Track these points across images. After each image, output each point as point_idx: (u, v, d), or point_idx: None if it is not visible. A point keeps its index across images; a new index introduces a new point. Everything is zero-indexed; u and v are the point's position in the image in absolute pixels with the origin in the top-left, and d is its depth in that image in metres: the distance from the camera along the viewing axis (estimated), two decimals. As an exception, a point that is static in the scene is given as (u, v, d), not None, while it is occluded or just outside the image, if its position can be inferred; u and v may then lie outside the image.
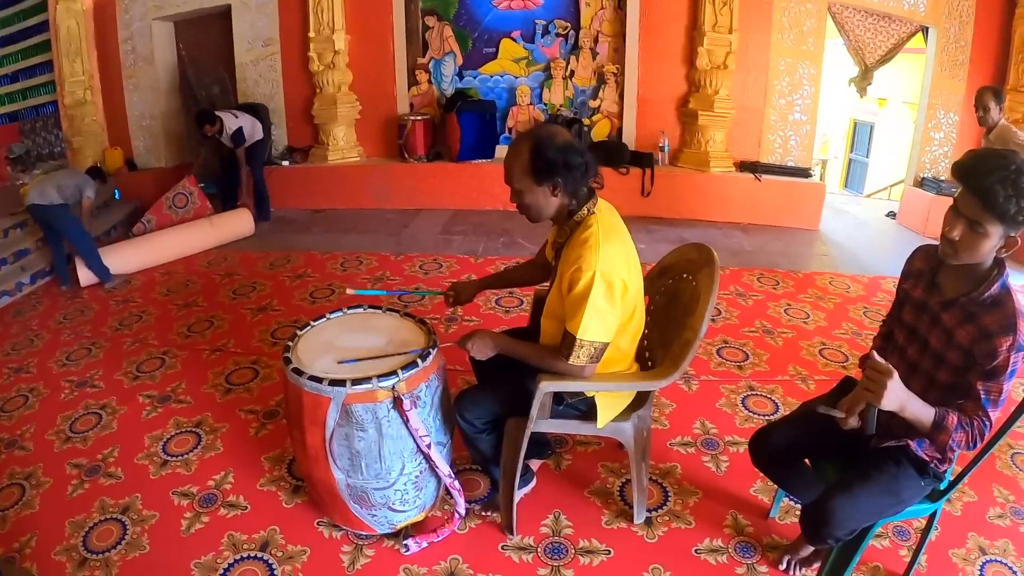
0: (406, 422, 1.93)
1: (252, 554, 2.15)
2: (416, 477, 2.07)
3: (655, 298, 2.33)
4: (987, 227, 1.42)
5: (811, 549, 2.05)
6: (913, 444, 1.69)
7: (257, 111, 6.03)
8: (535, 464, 2.47)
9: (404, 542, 2.12)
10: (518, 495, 2.20)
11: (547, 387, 1.91)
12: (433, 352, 2.04)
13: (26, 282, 4.58)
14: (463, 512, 2.19)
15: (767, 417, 2.90)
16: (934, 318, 1.64)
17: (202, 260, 5.02)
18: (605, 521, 2.29)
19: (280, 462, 2.61)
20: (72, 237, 4.42)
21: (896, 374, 1.40)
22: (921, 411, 1.46)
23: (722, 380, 3.20)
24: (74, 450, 2.73)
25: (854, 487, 1.68)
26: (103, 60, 6.57)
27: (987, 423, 1.50)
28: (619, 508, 2.35)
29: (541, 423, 2.02)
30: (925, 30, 5.73)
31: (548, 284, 2.04)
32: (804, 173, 5.80)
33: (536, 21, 6.14)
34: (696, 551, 2.16)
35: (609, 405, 2.02)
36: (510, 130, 6.42)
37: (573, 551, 2.16)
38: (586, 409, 2.03)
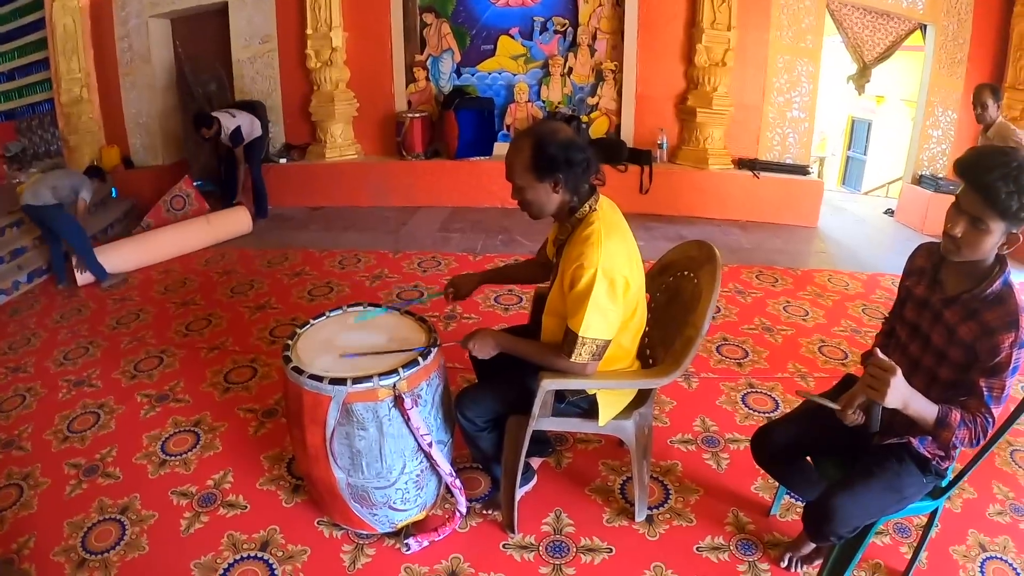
0: (407, 421, 1.92)
1: (252, 554, 2.14)
2: (417, 476, 2.06)
3: (656, 296, 2.32)
4: (989, 223, 1.43)
5: (812, 546, 2.05)
6: (915, 441, 1.70)
7: (255, 108, 6.01)
8: (536, 462, 2.47)
9: (405, 541, 2.12)
10: (519, 493, 2.19)
11: (549, 385, 1.90)
12: (434, 350, 2.03)
13: (23, 281, 4.56)
14: (464, 511, 2.19)
15: (767, 414, 2.90)
16: (936, 315, 1.64)
17: (200, 258, 5.00)
18: (606, 519, 2.28)
19: (279, 461, 2.60)
20: (68, 237, 4.40)
21: (899, 371, 1.40)
22: (924, 408, 1.46)
23: (722, 377, 3.20)
24: (72, 450, 2.71)
25: (856, 484, 1.67)
26: (99, 58, 6.54)
27: (990, 420, 1.50)
28: (620, 506, 2.35)
29: (543, 421, 2.02)
30: (923, 27, 5.73)
31: (549, 282, 2.03)
32: (802, 170, 5.80)
33: (534, 18, 6.13)
34: (698, 549, 2.16)
35: (611, 403, 2.02)
36: (508, 127, 6.41)
37: (574, 549, 2.15)
38: (588, 407, 2.03)
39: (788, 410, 2.83)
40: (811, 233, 5.57)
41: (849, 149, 13.06)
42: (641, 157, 5.78)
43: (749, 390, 3.09)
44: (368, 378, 1.86)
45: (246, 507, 2.35)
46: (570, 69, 6.22)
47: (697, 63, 5.66)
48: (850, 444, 1.80)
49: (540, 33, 6.16)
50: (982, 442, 1.52)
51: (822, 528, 1.70)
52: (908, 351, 1.73)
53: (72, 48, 6.32)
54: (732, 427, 2.81)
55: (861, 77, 6.12)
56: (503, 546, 2.16)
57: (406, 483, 2.05)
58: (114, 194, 6.12)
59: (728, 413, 2.91)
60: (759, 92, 5.81)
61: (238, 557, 2.13)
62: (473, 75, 6.36)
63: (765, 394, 3.06)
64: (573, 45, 6.16)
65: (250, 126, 5.61)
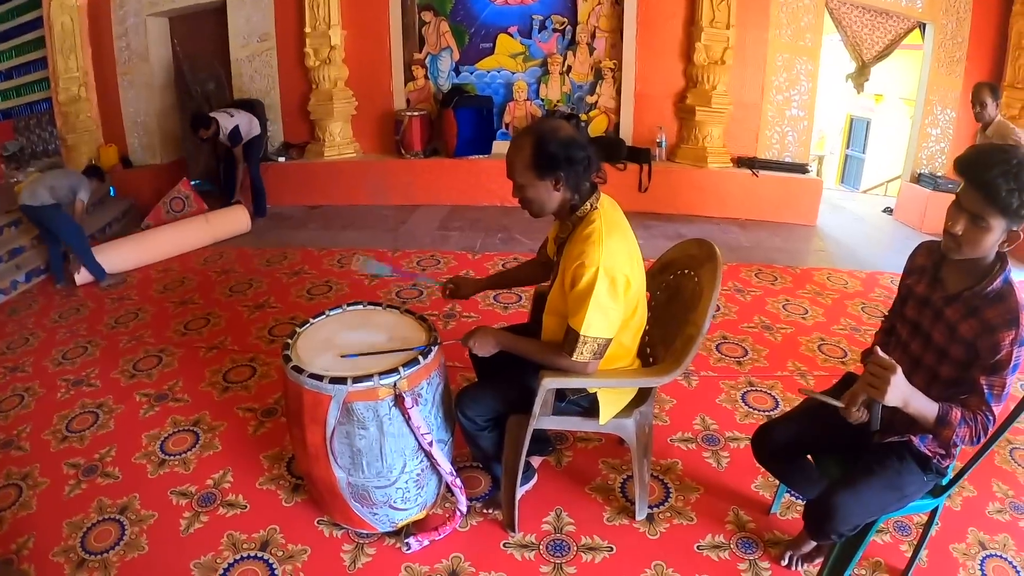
0: (408, 420, 1.92)
1: (252, 554, 2.13)
2: (417, 475, 2.06)
3: (656, 294, 2.32)
4: (989, 221, 1.43)
5: (813, 545, 2.06)
6: (916, 439, 1.70)
7: (253, 107, 5.99)
8: (536, 461, 2.46)
9: (405, 540, 2.11)
10: (519, 492, 2.19)
11: (550, 384, 1.90)
12: (434, 349, 2.02)
13: (21, 280, 4.55)
14: (465, 510, 2.18)
15: (767, 413, 2.90)
16: (937, 313, 1.64)
17: (198, 257, 4.99)
18: (607, 518, 2.28)
19: (279, 460, 2.59)
20: (66, 237, 4.38)
21: (900, 370, 1.41)
22: (924, 406, 1.47)
23: (722, 376, 3.20)
24: (71, 450, 2.71)
25: (858, 482, 1.68)
26: (97, 57, 6.52)
27: (990, 418, 1.50)
28: (620, 504, 2.35)
29: (543, 420, 2.02)
30: (922, 26, 5.73)
31: (549, 280, 2.03)
32: (801, 169, 5.80)
33: (533, 16, 6.11)
34: (698, 547, 2.16)
35: (611, 401, 2.01)
36: (507, 126, 6.40)
37: (575, 548, 2.15)
38: (588, 406, 2.02)
39: (788, 408, 2.84)
40: (810, 231, 5.57)
41: (847, 147, 13.07)
42: (640, 155, 5.78)
43: (749, 388, 3.09)
44: (368, 377, 1.86)
45: (246, 507, 2.35)
46: (569, 67, 6.21)
47: (696, 61, 5.65)
48: (851, 442, 1.80)
49: (539, 31, 6.15)
50: (983, 440, 1.53)
51: (823, 526, 1.70)
52: (909, 349, 1.73)
53: (70, 47, 6.30)
54: (732, 425, 2.81)
55: (860, 76, 6.12)
56: (504, 545, 2.16)
57: (406, 482, 2.04)
58: (112, 193, 6.11)
59: (728, 411, 2.91)
60: (758, 90, 5.80)
61: (238, 557, 2.12)
62: (472, 73, 6.35)
63: (765, 392, 3.06)
64: (572, 43, 6.15)
65: (248, 125, 5.60)
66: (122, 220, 5.89)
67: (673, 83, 5.93)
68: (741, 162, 5.84)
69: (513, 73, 6.30)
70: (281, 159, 6.29)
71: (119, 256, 4.69)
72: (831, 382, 2.03)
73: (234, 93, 6.42)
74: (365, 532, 2.17)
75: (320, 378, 1.86)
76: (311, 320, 2.23)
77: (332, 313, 2.28)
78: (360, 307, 2.33)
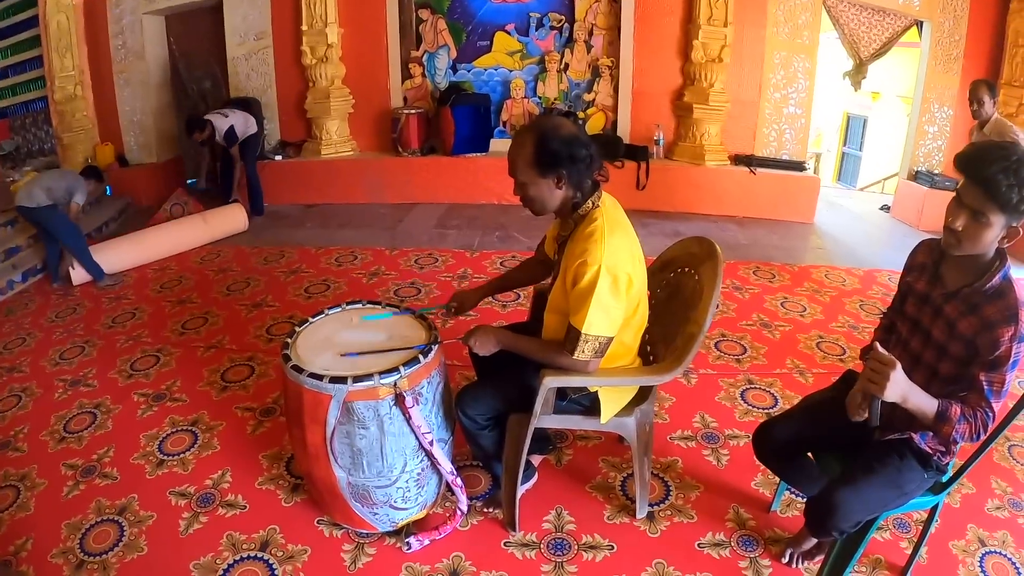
0: (408, 419, 1.91)
1: (252, 554, 2.13)
2: (418, 474, 2.06)
3: (656, 292, 2.31)
4: (990, 216, 1.44)
5: (813, 542, 2.06)
6: (916, 437, 1.70)
7: (249, 106, 5.98)
8: (536, 460, 2.46)
9: (406, 540, 2.11)
10: (520, 491, 2.18)
11: (551, 383, 1.90)
12: (435, 348, 2.02)
13: (17, 280, 4.53)
14: (465, 509, 2.18)
15: (766, 410, 2.91)
16: (937, 310, 1.65)
17: (195, 256, 4.97)
18: (607, 516, 2.28)
19: (278, 460, 2.59)
20: (64, 237, 4.36)
21: (899, 365, 1.42)
22: (924, 402, 1.48)
23: (721, 374, 3.20)
24: (69, 450, 2.69)
25: (859, 480, 1.68)
26: (93, 55, 6.49)
27: (990, 414, 1.51)
28: (621, 503, 2.34)
29: (544, 419, 2.01)
30: (919, 24, 5.73)
31: (550, 279, 2.02)
32: (799, 166, 5.81)
33: (530, 14, 6.10)
34: (699, 545, 2.16)
35: (612, 400, 2.01)
36: (504, 124, 6.39)
37: (576, 547, 2.15)
38: (589, 404, 2.02)
39: (787, 406, 2.85)
40: (807, 229, 5.58)
41: (844, 145, 13.09)
42: (638, 153, 5.78)
43: (748, 386, 3.09)
44: (369, 376, 1.85)
45: (245, 507, 2.34)
46: (566, 65, 6.20)
47: (694, 59, 5.65)
48: (851, 440, 1.80)
49: (536, 29, 6.14)
50: (982, 437, 1.53)
51: (825, 522, 1.70)
52: (909, 346, 1.73)
53: (66, 45, 6.27)
54: (731, 423, 2.81)
55: (857, 73, 6.12)
56: (504, 544, 2.16)
57: (407, 482, 2.04)
58: (108, 192, 6.08)
59: (727, 409, 2.91)
60: (756, 88, 5.81)
61: (238, 557, 2.11)
62: (469, 71, 6.34)
63: (764, 390, 3.07)
64: (569, 41, 6.14)
65: (244, 124, 5.58)
66: (119, 219, 5.87)
67: (671, 81, 5.93)
68: (739, 160, 5.84)
69: (510, 71, 6.29)
70: (278, 157, 6.27)
71: (116, 255, 4.67)
72: (830, 380, 2.03)
73: (231, 91, 6.40)
74: (365, 532, 2.17)
75: (320, 377, 1.85)
76: (310, 319, 2.22)
77: (331, 312, 2.27)
78: (359, 306, 2.32)
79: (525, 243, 5.01)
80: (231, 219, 5.40)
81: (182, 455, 2.64)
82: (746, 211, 5.76)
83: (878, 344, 1.52)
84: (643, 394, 2.12)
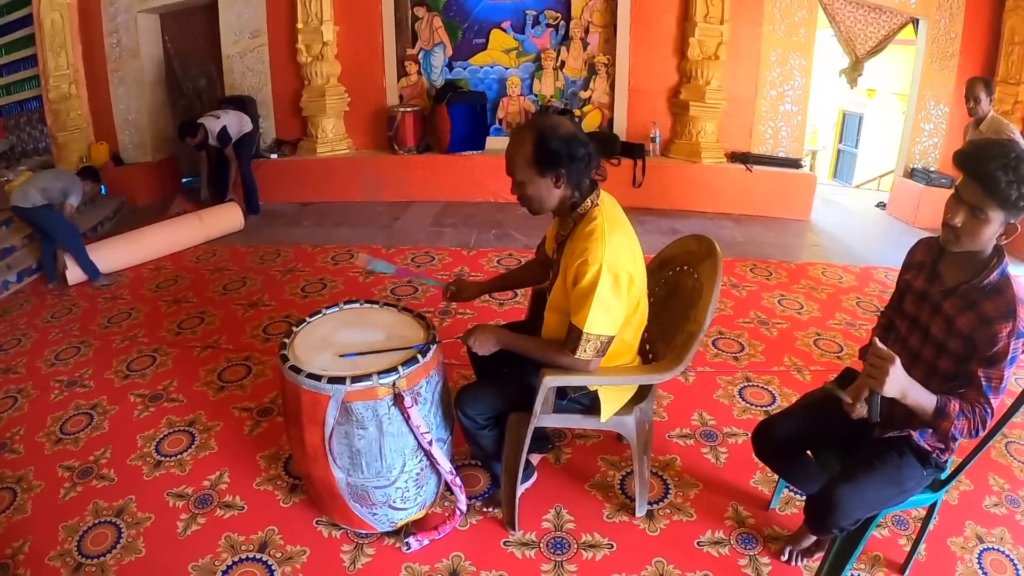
0: (407, 419, 1.90)
1: (251, 555, 2.12)
2: (417, 474, 2.05)
3: (655, 290, 2.31)
4: (989, 213, 1.45)
5: (813, 539, 2.06)
6: (915, 434, 1.71)
7: (244, 104, 5.96)
8: (535, 459, 2.46)
9: (405, 540, 2.10)
10: (519, 490, 2.18)
11: (551, 382, 1.89)
12: (433, 347, 2.01)
13: (12, 280, 4.50)
14: (464, 508, 2.18)
15: (765, 408, 2.91)
16: (935, 307, 1.65)
17: (191, 255, 4.95)
18: (606, 515, 2.28)
19: (276, 460, 2.58)
20: (60, 236, 4.34)
21: (898, 360, 1.42)
22: (923, 398, 1.48)
23: (719, 371, 3.20)
24: (65, 452, 2.68)
25: (859, 477, 1.68)
26: (88, 54, 6.44)
27: (989, 410, 1.52)
28: (620, 501, 2.34)
29: (544, 418, 2.01)
30: (915, 22, 5.74)
31: (550, 279, 2.02)
32: (795, 164, 5.82)
33: (526, 11, 6.09)
34: (698, 543, 2.16)
35: (612, 399, 2.01)
36: (500, 121, 6.39)
37: (575, 546, 2.15)
38: (589, 403, 2.02)
39: (785, 404, 2.86)
40: (804, 226, 5.59)
41: (840, 142, 13.11)
42: (634, 151, 5.76)
43: (746, 384, 3.10)
44: (367, 376, 1.84)
45: (243, 508, 2.33)
46: (562, 63, 6.20)
47: (690, 57, 5.65)
48: (850, 437, 1.81)
49: (532, 27, 6.13)
50: (981, 433, 1.54)
51: (825, 520, 1.70)
52: (908, 344, 1.74)
53: (60, 44, 6.22)
54: (730, 421, 2.81)
55: (853, 71, 6.13)
56: (504, 543, 2.16)
57: (406, 482, 2.03)
58: (103, 191, 6.04)
59: (726, 407, 2.92)
60: (752, 86, 5.81)
61: (237, 559, 2.11)
62: (465, 69, 6.33)
63: (762, 388, 3.07)
64: (565, 39, 6.14)
65: (238, 124, 5.56)
66: (113, 218, 5.84)
67: (667, 78, 5.93)
68: (735, 157, 5.84)
69: (506, 69, 6.28)
70: (273, 156, 6.25)
71: (111, 254, 4.64)
72: (828, 377, 2.04)
73: (226, 90, 6.38)
74: (364, 532, 2.16)
75: (318, 378, 1.84)
76: (308, 319, 2.21)
77: (329, 311, 2.26)
78: (357, 305, 2.31)
79: (522, 241, 5.00)
80: (227, 218, 5.38)
81: (179, 456, 2.63)
82: (742, 208, 5.76)
83: (877, 339, 1.52)
84: (643, 393, 2.12)
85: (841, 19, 5.84)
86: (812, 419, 1.91)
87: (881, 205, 6.34)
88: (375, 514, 2.07)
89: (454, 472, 2.11)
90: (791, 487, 2.31)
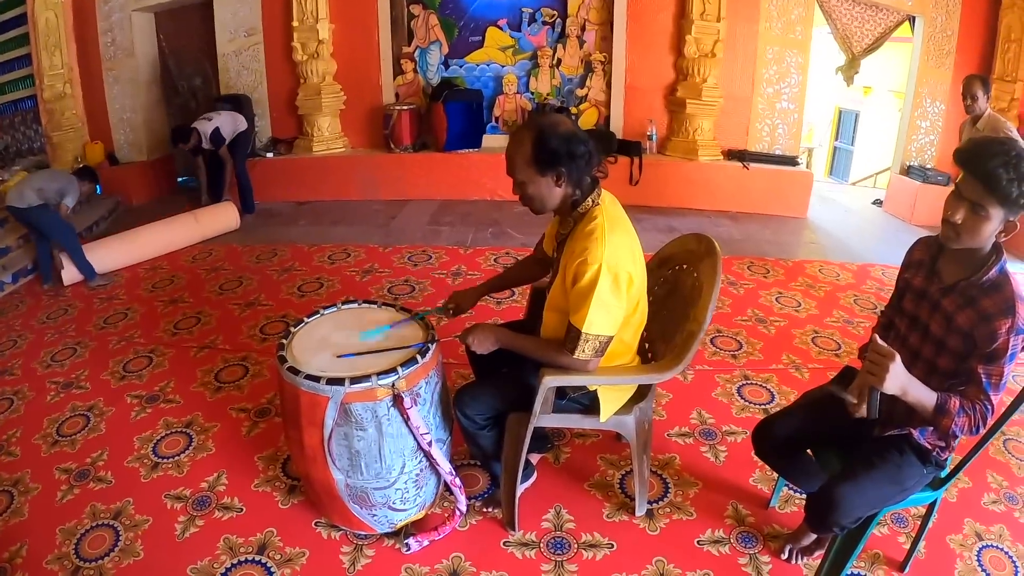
0: (406, 420, 1.89)
1: (250, 557, 2.11)
2: (417, 475, 2.04)
3: (654, 289, 2.30)
4: (989, 210, 1.46)
5: (813, 538, 2.06)
6: (915, 433, 1.71)
7: (240, 103, 5.93)
8: (535, 458, 2.45)
9: (405, 541, 2.10)
10: (519, 490, 2.17)
11: (551, 382, 1.89)
12: (432, 347, 2.00)
13: (8, 281, 4.47)
14: (464, 509, 2.17)
15: (763, 406, 2.91)
16: (934, 305, 1.65)
17: (187, 255, 4.93)
18: (606, 514, 2.28)
19: (274, 461, 2.57)
20: (57, 236, 4.31)
21: (898, 357, 1.43)
22: (923, 395, 1.48)
23: (717, 370, 3.20)
24: (62, 454, 2.66)
25: (859, 475, 1.68)
26: (82, 53, 6.40)
27: (989, 407, 1.52)
28: (620, 501, 2.34)
29: (544, 418, 2.00)
30: (912, 19, 5.75)
31: (549, 278, 2.01)
32: (792, 161, 5.83)
33: (523, 9, 6.08)
34: (698, 542, 2.16)
35: (612, 399, 2.00)
36: (497, 120, 6.37)
37: (575, 545, 2.14)
38: (589, 403, 2.01)
39: (784, 402, 2.86)
40: (801, 224, 5.59)
41: (836, 140, 13.13)
42: (631, 149, 5.76)
43: (744, 382, 3.10)
44: (366, 377, 1.83)
45: (242, 509, 2.32)
46: (559, 60, 6.19)
47: (687, 54, 5.65)
48: (850, 436, 1.81)
49: (528, 24, 6.12)
50: (982, 430, 1.54)
51: (826, 518, 1.70)
52: (908, 342, 1.74)
53: (54, 43, 6.18)
54: (729, 419, 2.81)
55: (850, 68, 6.14)
56: (504, 544, 2.15)
57: (405, 483, 2.02)
58: (99, 191, 6.01)
59: (724, 405, 2.92)
60: (748, 83, 5.82)
61: (236, 561, 2.10)
62: (461, 67, 6.31)
63: (760, 386, 3.07)
64: (562, 36, 6.13)
65: (232, 123, 5.54)
66: (109, 218, 5.81)
67: (663, 76, 5.92)
68: (731, 155, 5.85)
69: (503, 66, 6.26)
70: (269, 154, 6.23)
71: (107, 254, 4.62)
72: (826, 375, 2.04)
73: (221, 88, 6.35)
74: (364, 533, 2.16)
75: (317, 379, 1.83)
76: (305, 319, 2.20)
77: (326, 312, 2.25)
78: (355, 305, 2.30)
79: (519, 239, 5.00)
80: (222, 217, 5.35)
81: (177, 457, 2.61)
82: (739, 206, 5.77)
83: (877, 336, 1.52)
84: (642, 392, 2.12)
85: (837, 16, 5.85)
86: (812, 418, 1.91)
87: (877, 202, 6.35)
88: (375, 515, 2.06)
89: (454, 472, 2.10)
90: (791, 485, 2.31)
